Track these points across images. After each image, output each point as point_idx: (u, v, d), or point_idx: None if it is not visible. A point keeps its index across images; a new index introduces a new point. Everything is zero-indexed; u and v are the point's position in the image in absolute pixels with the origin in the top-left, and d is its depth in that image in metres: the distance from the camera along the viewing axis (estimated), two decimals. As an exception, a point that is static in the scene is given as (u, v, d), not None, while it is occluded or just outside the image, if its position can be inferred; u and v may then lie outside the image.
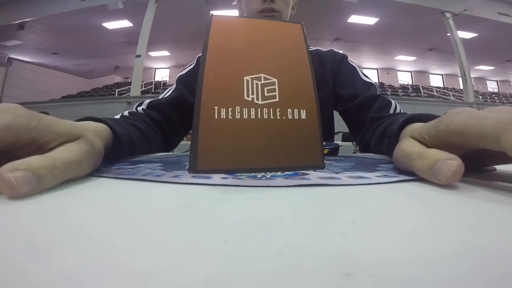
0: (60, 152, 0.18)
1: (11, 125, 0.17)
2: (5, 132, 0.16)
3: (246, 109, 0.19)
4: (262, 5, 0.61)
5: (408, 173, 0.21)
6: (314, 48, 0.70)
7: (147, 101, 0.57)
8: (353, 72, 0.65)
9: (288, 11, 0.65)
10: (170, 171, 0.23)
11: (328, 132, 0.68)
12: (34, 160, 0.16)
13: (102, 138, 0.26)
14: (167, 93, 0.62)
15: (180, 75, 0.64)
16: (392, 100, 0.57)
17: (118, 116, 0.48)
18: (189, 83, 0.62)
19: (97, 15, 6.42)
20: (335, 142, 0.55)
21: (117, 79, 10.91)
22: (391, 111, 0.53)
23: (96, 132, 0.25)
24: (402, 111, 0.55)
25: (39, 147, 0.18)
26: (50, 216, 0.12)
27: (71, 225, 0.11)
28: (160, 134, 0.54)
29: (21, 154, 0.18)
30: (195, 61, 0.67)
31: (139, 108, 0.56)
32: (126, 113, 0.51)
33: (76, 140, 0.20)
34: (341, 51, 0.70)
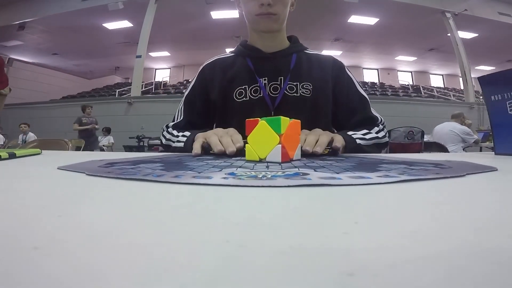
0: None
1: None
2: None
3: None
4: (260, 9, 0.62)
5: (409, 173, 0.21)
6: (313, 52, 0.73)
7: (170, 124, 0.69)
8: (351, 83, 0.70)
9: (286, 12, 0.66)
10: (171, 171, 0.23)
11: None
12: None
13: None
14: (179, 116, 0.71)
15: (186, 96, 0.72)
16: (379, 118, 0.68)
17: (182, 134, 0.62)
18: (193, 102, 0.70)
19: (97, 15, 6.43)
20: None
21: (118, 79, 10.92)
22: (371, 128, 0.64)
23: None
24: (383, 129, 0.66)
25: None
26: (50, 216, 0.12)
27: (71, 226, 0.11)
28: None
29: None
30: (197, 74, 0.73)
31: (170, 129, 0.67)
32: (178, 133, 0.62)
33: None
34: (338, 58, 0.73)
